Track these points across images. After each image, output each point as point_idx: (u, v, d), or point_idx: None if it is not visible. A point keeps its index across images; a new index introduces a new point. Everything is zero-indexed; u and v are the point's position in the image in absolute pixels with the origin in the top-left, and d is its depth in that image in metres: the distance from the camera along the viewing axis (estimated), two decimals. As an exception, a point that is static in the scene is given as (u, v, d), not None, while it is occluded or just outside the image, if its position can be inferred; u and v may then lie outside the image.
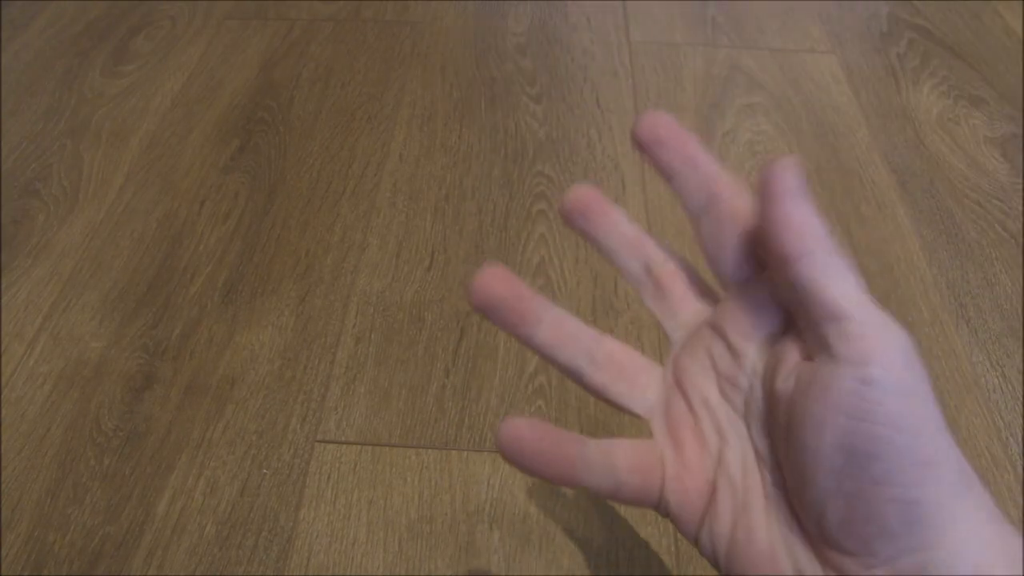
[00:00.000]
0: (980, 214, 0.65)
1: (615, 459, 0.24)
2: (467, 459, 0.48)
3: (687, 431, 0.24)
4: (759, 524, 0.21)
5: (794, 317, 0.21)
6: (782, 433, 0.21)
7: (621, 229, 0.26)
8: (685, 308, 0.26)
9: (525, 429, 0.23)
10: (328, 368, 0.53)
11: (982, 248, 0.62)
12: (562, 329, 0.25)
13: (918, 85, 0.78)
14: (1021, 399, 0.52)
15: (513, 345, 0.55)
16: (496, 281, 0.25)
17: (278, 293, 0.58)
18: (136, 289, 0.58)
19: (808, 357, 0.21)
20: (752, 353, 0.23)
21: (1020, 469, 0.49)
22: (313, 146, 0.71)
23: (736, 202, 0.24)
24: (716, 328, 0.24)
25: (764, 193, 0.20)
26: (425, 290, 0.58)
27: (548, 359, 0.25)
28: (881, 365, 0.18)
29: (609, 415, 0.51)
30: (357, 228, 0.63)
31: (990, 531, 0.19)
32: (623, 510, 0.46)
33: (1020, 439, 0.50)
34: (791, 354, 0.21)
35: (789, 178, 0.20)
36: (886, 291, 0.59)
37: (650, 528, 0.45)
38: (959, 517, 0.18)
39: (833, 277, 0.20)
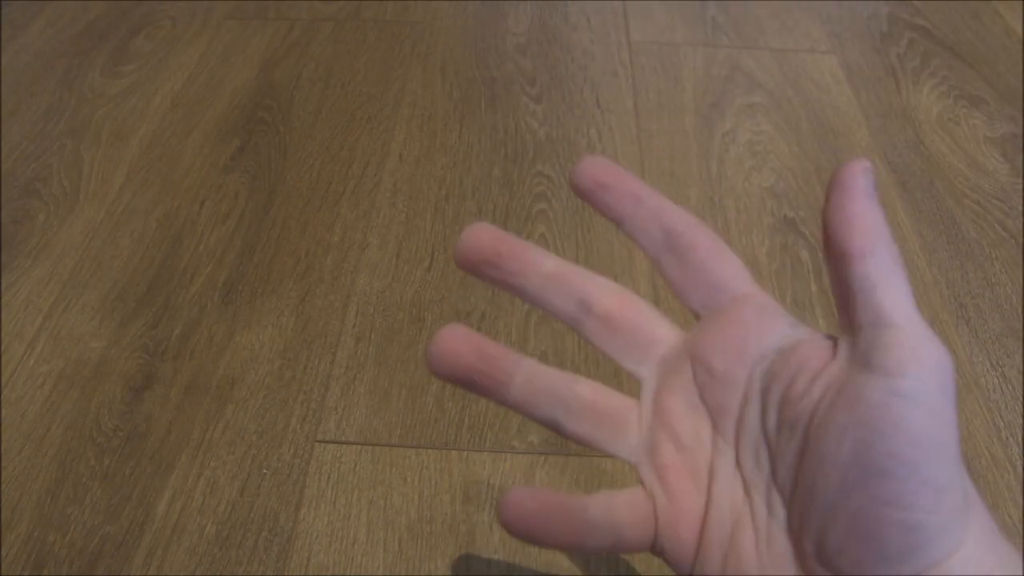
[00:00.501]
0: (980, 214, 0.65)
1: (617, 516, 0.23)
2: (467, 459, 0.48)
3: (675, 473, 0.23)
4: (748, 554, 0.21)
5: (842, 316, 0.21)
6: (798, 443, 0.20)
7: (542, 268, 0.24)
8: (649, 338, 0.24)
9: (528, 501, 0.22)
10: (328, 368, 0.53)
11: (982, 248, 0.62)
12: (534, 384, 0.24)
13: (918, 85, 0.78)
14: (1021, 399, 0.52)
15: (513, 345, 0.55)
16: (458, 345, 0.23)
17: (278, 293, 0.58)
18: (136, 289, 0.58)
19: (829, 363, 0.20)
20: (742, 375, 0.22)
21: (1020, 469, 0.49)
22: (313, 146, 0.71)
23: (694, 233, 0.23)
24: (696, 357, 0.23)
25: (837, 188, 0.20)
26: (425, 290, 0.58)
27: (524, 415, 0.24)
28: (913, 378, 0.18)
29: (609, 415, 0.51)
30: (357, 228, 0.63)
31: (990, 557, 0.18)
32: (623, 510, 0.46)
33: (1020, 439, 0.50)
34: (810, 362, 0.21)
35: (863, 178, 0.20)
36: (886, 291, 0.59)
37: (650, 528, 0.45)
38: (959, 544, 0.18)
39: (888, 282, 0.19)
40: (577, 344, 0.55)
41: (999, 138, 0.72)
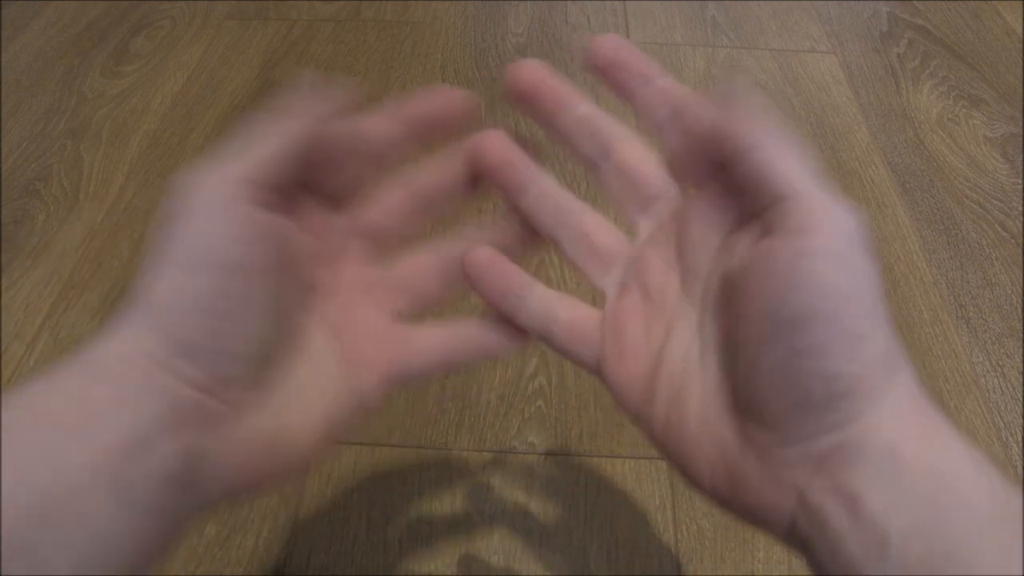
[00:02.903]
0: (980, 214, 0.65)
1: (554, 311, 0.26)
2: (467, 459, 0.48)
3: (631, 318, 0.25)
4: (691, 411, 0.22)
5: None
6: (726, 310, 0.21)
7: (575, 111, 0.27)
8: (654, 194, 0.26)
9: (484, 257, 0.26)
10: (328, 368, 0.53)
11: (982, 248, 0.62)
12: (545, 202, 0.27)
13: (918, 85, 0.78)
14: (1021, 399, 0.52)
15: (513, 345, 0.55)
16: (493, 146, 0.27)
17: (278, 293, 0.58)
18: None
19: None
20: (715, 243, 0.23)
21: (1020, 469, 0.49)
22: (313, 146, 0.71)
23: (699, 111, 0.24)
24: (682, 219, 0.24)
25: (726, 99, 0.22)
26: (425, 290, 0.58)
27: (533, 225, 0.27)
28: (818, 235, 0.19)
29: (611, 413, 0.51)
30: (357, 228, 0.63)
31: (912, 413, 0.19)
32: (623, 510, 0.46)
33: (1020, 439, 0.50)
34: (743, 241, 0.22)
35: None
36: (886, 291, 0.59)
37: (650, 528, 0.45)
38: (882, 396, 0.18)
39: (782, 162, 0.20)
40: (577, 344, 0.55)
41: (999, 138, 0.72)
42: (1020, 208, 0.65)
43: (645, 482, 0.47)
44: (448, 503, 0.46)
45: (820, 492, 0.18)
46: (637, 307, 0.25)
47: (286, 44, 0.82)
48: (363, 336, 0.26)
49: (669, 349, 0.23)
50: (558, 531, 0.45)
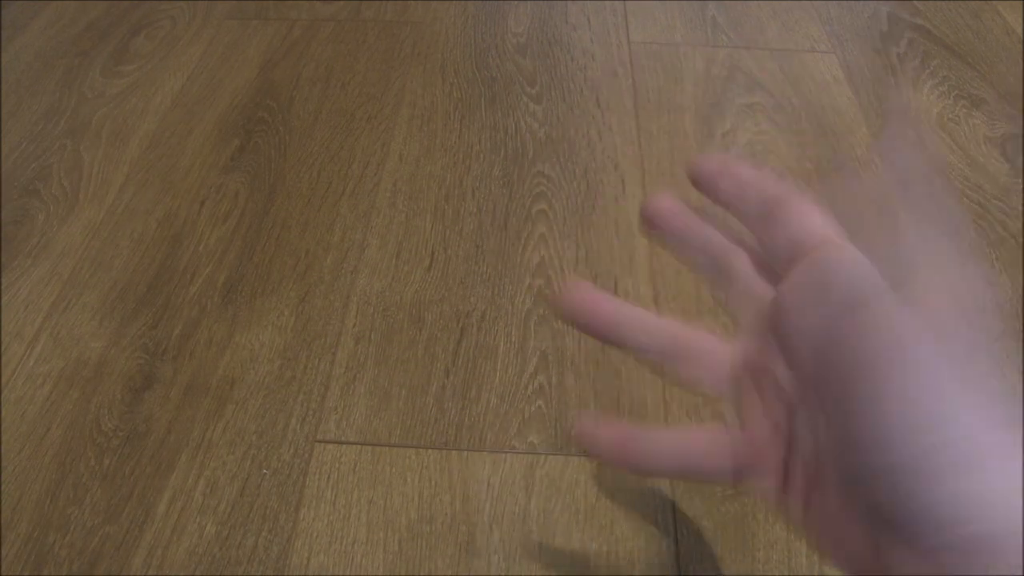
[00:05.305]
0: (980, 214, 0.65)
1: (687, 444, 0.26)
2: (467, 459, 0.48)
3: (755, 414, 0.24)
4: (832, 501, 0.21)
5: None
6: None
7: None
8: (755, 289, 0.25)
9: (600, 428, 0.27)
10: (328, 368, 0.53)
11: (982, 248, 0.62)
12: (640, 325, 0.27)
13: (918, 85, 0.78)
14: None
15: (513, 345, 0.55)
16: (579, 297, 0.27)
17: (278, 293, 0.58)
18: (136, 289, 0.58)
19: None
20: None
21: (1020, 469, 0.48)
22: (313, 146, 0.71)
23: (800, 201, 0.24)
24: (777, 309, 0.24)
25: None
26: (425, 290, 0.58)
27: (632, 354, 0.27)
28: None
29: (611, 413, 0.51)
30: (357, 228, 0.63)
31: None
32: (623, 510, 0.46)
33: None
34: None
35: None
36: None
37: (650, 528, 0.45)
38: (1005, 464, 0.18)
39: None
40: (578, 343, 0.55)
41: (999, 138, 0.72)
42: (1020, 208, 0.65)
43: (645, 482, 0.47)
44: (448, 503, 0.46)
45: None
46: (755, 401, 0.24)
47: (286, 44, 0.82)
48: None
49: (798, 438, 0.23)
50: (558, 531, 0.45)
